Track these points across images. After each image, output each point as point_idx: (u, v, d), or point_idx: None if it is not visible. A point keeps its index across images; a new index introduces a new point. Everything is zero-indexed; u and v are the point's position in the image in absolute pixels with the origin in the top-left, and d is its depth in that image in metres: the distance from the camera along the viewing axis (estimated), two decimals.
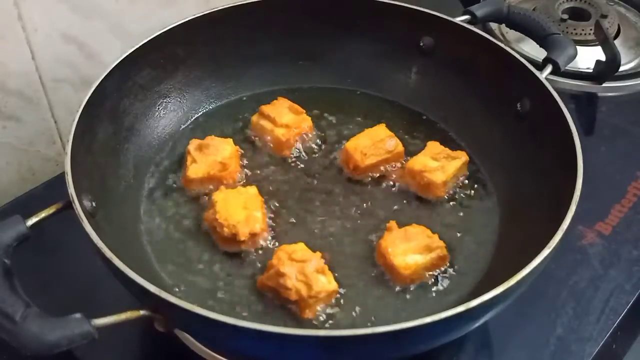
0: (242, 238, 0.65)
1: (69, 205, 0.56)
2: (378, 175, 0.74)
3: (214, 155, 0.72)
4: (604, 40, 0.95)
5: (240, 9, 0.80)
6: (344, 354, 0.51)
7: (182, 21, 0.76)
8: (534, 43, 0.87)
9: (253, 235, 0.66)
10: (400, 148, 0.75)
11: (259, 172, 0.75)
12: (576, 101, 0.96)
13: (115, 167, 0.71)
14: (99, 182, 0.66)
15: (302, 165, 0.76)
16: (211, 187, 0.72)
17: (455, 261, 0.66)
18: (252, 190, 0.69)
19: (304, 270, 0.60)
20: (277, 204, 0.71)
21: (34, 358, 0.50)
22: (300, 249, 0.62)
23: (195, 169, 0.71)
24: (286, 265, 0.60)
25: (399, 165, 0.75)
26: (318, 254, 0.62)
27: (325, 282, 0.60)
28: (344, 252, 0.67)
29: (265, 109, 0.77)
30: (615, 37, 1.05)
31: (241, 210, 0.66)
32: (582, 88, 0.98)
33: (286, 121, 0.76)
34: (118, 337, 0.63)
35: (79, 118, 0.64)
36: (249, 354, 0.56)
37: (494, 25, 1.07)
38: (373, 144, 0.74)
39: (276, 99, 0.79)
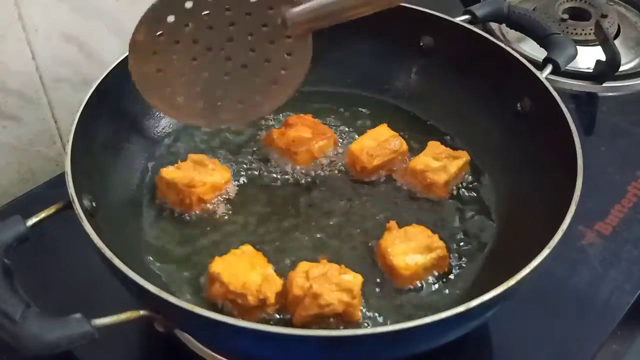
0: (272, 301, 0.59)
1: (69, 205, 0.56)
2: (382, 175, 0.75)
3: (198, 174, 0.69)
4: (604, 40, 0.95)
5: None
6: (344, 354, 0.51)
7: None
8: (534, 43, 0.87)
9: (278, 295, 0.60)
10: (405, 147, 0.75)
11: (256, 173, 0.75)
12: (576, 101, 0.96)
13: (115, 167, 0.71)
14: (99, 182, 0.66)
15: (303, 170, 0.76)
16: (173, 203, 0.70)
17: (455, 261, 0.66)
18: (247, 248, 0.63)
19: (330, 280, 0.58)
20: (276, 205, 0.71)
21: (34, 358, 0.50)
22: (307, 267, 0.60)
23: (170, 171, 0.69)
24: (314, 285, 0.58)
25: (400, 165, 0.75)
26: (323, 259, 0.62)
27: (351, 279, 0.60)
28: (344, 253, 0.67)
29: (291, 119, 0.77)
30: (615, 37, 1.05)
31: (252, 271, 0.60)
32: (582, 88, 0.97)
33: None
34: (118, 337, 0.63)
35: (79, 118, 0.64)
36: (249, 354, 0.56)
37: (494, 25, 1.07)
38: (378, 144, 0.74)
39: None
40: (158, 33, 0.64)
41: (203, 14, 0.64)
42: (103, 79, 0.68)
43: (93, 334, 0.48)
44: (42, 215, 0.57)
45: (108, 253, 0.53)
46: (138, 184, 0.73)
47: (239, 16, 0.64)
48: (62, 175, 0.59)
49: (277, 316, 0.61)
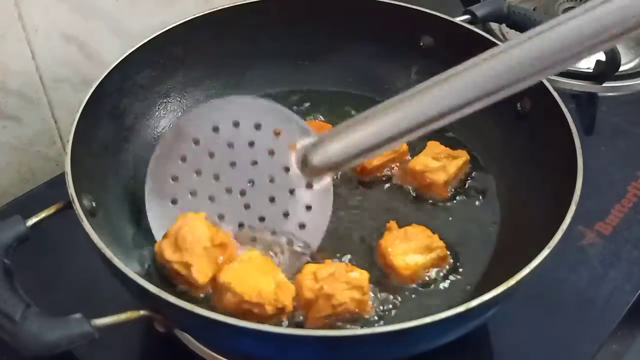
0: (291, 308, 0.57)
1: (69, 205, 0.56)
2: (382, 175, 0.75)
3: (197, 245, 0.59)
4: None
5: (240, 8, 0.80)
6: (344, 354, 0.51)
7: (182, 21, 0.76)
8: None
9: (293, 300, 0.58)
10: (405, 147, 0.75)
11: None
12: (576, 101, 0.96)
13: (115, 167, 0.71)
14: (99, 182, 0.66)
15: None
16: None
17: (456, 261, 0.66)
18: (253, 253, 0.61)
19: (339, 279, 0.58)
20: None
21: (34, 358, 0.50)
22: (314, 268, 0.59)
23: (200, 273, 0.59)
24: (325, 286, 0.57)
25: (399, 165, 0.75)
26: (328, 260, 0.62)
27: (359, 275, 0.59)
28: (345, 253, 0.67)
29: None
30: None
31: (264, 278, 0.57)
32: (582, 88, 0.97)
33: None
34: (118, 337, 0.63)
35: (79, 118, 0.64)
36: (249, 354, 0.56)
37: (494, 25, 1.06)
38: None
39: None
40: (180, 156, 0.64)
41: (227, 144, 0.64)
42: (103, 79, 0.68)
43: (93, 334, 0.48)
44: (42, 215, 0.57)
45: (108, 253, 0.53)
46: (138, 183, 0.73)
47: (262, 154, 0.64)
48: (62, 175, 0.58)
49: (288, 320, 0.59)
